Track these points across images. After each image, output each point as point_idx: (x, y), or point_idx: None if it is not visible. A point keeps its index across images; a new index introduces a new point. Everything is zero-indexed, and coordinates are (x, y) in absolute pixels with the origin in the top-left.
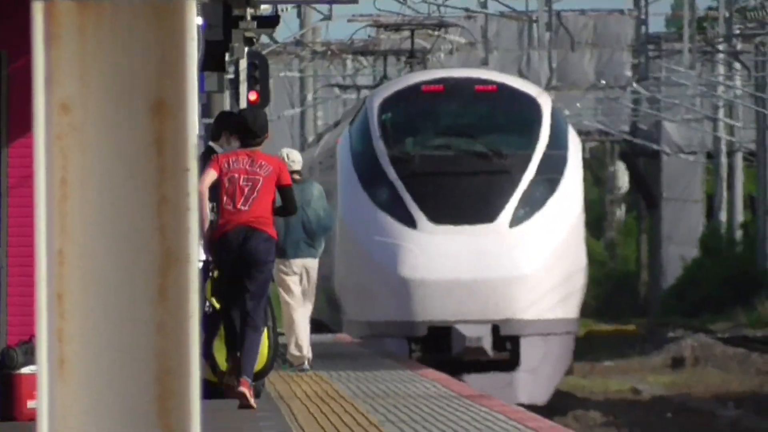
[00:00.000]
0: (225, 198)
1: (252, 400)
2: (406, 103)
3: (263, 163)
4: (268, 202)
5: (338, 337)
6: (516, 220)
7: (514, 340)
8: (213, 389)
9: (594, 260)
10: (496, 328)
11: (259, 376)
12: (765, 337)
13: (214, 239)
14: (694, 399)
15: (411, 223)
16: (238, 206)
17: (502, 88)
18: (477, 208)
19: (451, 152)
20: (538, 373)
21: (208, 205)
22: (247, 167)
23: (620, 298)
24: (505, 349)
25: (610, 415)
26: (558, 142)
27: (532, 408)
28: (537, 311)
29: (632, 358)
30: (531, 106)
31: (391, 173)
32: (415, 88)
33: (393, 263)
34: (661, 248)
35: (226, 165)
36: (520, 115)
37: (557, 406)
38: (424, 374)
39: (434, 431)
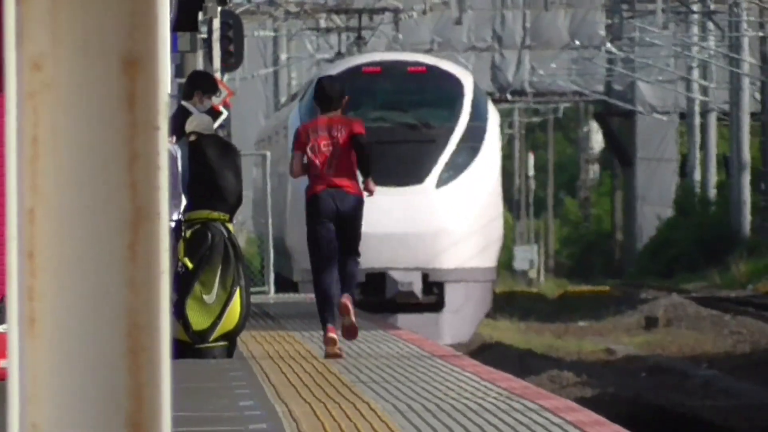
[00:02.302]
0: (313, 165)
1: (354, 318)
2: (349, 82)
3: (339, 126)
4: (350, 162)
5: (309, 297)
6: (441, 182)
7: (440, 286)
8: (184, 348)
9: (568, 220)
10: (425, 276)
11: (231, 336)
12: (738, 298)
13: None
14: (667, 359)
15: None
16: (324, 170)
17: (431, 69)
18: (408, 172)
19: (387, 124)
20: (460, 315)
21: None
22: (325, 134)
23: (594, 257)
24: (432, 293)
25: (584, 375)
26: (478, 115)
27: (503, 368)
28: (459, 261)
29: (606, 318)
30: (456, 84)
31: None
32: (356, 70)
33: None
34: (635, 208)
35: (307, 138)
36: (445, 92)
37: (531, 366)
38: (396, 334)
39: (407, 391)
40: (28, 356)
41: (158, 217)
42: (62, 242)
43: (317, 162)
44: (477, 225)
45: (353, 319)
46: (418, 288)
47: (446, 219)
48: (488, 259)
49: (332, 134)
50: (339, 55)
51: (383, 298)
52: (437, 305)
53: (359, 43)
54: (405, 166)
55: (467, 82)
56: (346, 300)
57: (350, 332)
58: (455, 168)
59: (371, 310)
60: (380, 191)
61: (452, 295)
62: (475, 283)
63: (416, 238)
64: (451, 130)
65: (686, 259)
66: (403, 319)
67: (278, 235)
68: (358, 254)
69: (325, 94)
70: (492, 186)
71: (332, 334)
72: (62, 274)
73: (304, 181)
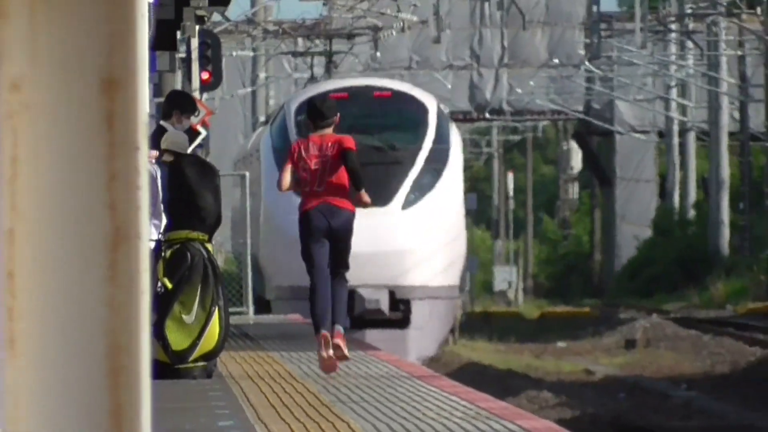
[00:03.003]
0: (305, 182)
1: (346, 351)
2: None
3: (330, 143)
4: (341, 178)
5: (289, 318)
6: (407, 204)
7: (406, 303)
8: (164, 369)
9: (547, 239)
10: (392, 293)
11: (210, 356)
12: (717, 318)
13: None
14: (646, 380)
15: None
16: (314, 188)
17: (396, 93)
18: (375, 193)
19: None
20: (426, 331)
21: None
22: (317, 152)
23: (573, 277)
24: (398, 310)
25: (563, 395)
26: (442, 138)
27: (482, 389)
28: (424, 278)
29: (585, 339)
30: (420, 108)
31: None
32: (324, 95)
33: None
34: (614, 227)
35: (298, 155)
36: (410, 116)
37: (510, 386)
38: (375, 355)
39: (386, 411)
40: (9, 376)
41: (138, 237)
42: (42, 262)
43: (309, 179)
44: (441, 244)
45: (347, 354)
46: (385, 305)
47: (412, 239)
48: (452, 277)
49: (323, 151)
50: (312, 79)
51: (352, 314)
52: (403, 321)
53: (329, 67)
54: (372, 188)
55: (431, 106)
56: (338, 338)
57: (329, 366)
58: (420, 189)
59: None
60: None
61: (418, 311)
62: (439, 300)
63: (383, 257)
64: (416, 153)
65: (665, 279)
66: (370, 334)
67: (252, 253)
68: (347, 268)
69: (318, 111)
70: (455, 206)
71: (326, 335)
72: (42, 294)
73: (278, 199)
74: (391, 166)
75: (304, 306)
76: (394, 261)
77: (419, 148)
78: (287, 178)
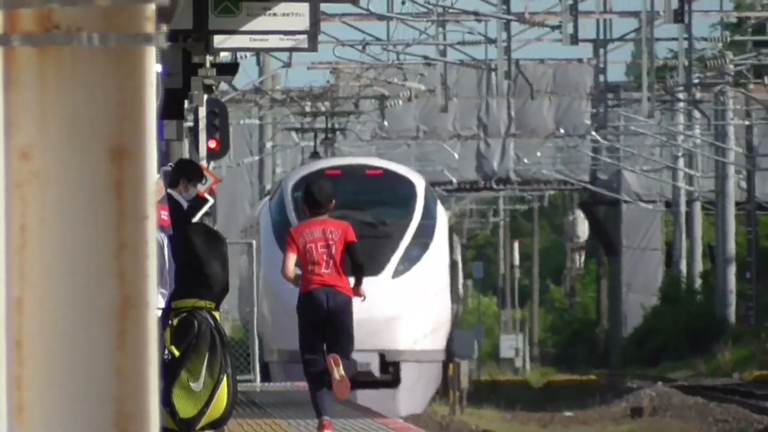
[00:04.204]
0: (308, 265)
1: (344, 372)
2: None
3: (332, 229)
4: (341, 264)
5: (296, 385)
6: (396, 273)
7: (396, 365)
8: None
9: (554, 308)
10: (382, 356)
11: (218, 424)
12: (724, 386)
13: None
14: None
15: None
16: (321, 270)
17: (387, 172)
18: (367, 264)
19: (347, 222)
20: (414, 391)
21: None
22: (320, 236)
23: (580, 345)
24: (388, 372)
25: None
26: (429, 214)
27: None
28: (412, 343)
29: (592, 408)
30: (409, 186)
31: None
32: (319, 173)
33: None
34: (620, 296)
35: (302, 240)
36: (400, 193)
37: None
38: (383, 423)
39: None
40: None
41: (146, 306)
42: (50, 331)
43: (317, 261)
44: (428, 311)
45: (343, 372)
46: (375, 367)
47: (401, 306)
48: (439, 341)
49: (327, 236)
50: (314, 153)
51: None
52: (393, 382)
53: (326, 144)
54: (365, 259)
55: (419, 184)
56: (335, 357)
57: (342, 388)
58: (409, 261)
59: (332, 387)
60: None
61: (407, 373)
62: (427, 363)
63: (375, 322)
64: (405, 228)
65: (672, 348)
66: (362, 394)
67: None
68: (348, 351)
69: (315, 199)
70: (441, 276)
71: (329, 429)
72: (50, 363)
73: (276, 269)
74: (382, 239)
75: (299, 369)
76: (384, 327)
77: (408, 224)
78: (291, 266)
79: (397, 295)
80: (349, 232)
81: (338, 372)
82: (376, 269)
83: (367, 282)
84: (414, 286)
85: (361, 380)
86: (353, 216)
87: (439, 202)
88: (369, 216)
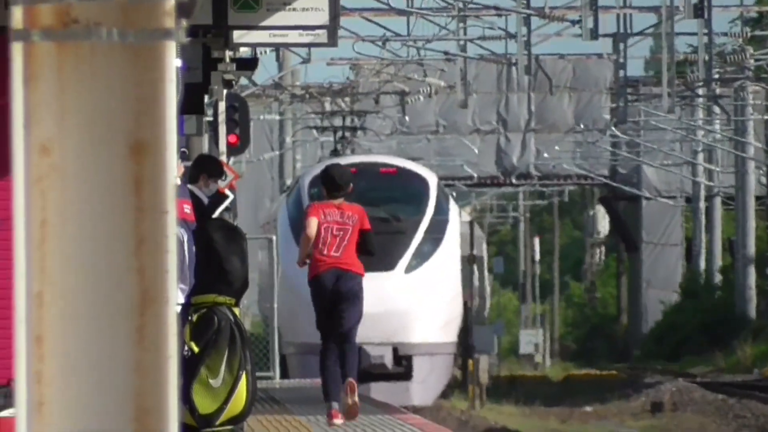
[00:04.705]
0: (320, 245)
1: (356, 398)
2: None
3: (350, 213)
4: (354, 246)
5: (316, 381)
6: (410, 268)
7: (408, 358)
8: None
9: (574, 303)
10: (395, 349)
11: (237, 420)
12: (744, 382)
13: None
14: None
15: None
16: (331, 252)
17: (401, 170)
18: (381, 259)
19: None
20: (427, 383)
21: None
22: (338, 219)
23: (599, 341)
24: (401, 365)
25: None
26: (441, 210)
27: None
28: (424, 336)
29: (611, 402)
30: (422, 183)
31: None
32: (340, 166)
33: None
34: (640, 292)
35: (322, 215)
36: (413, 190)
37: None
38: (402, 419)
39: None
40: None
41: (166, 301)
42: (70, 326)
43: (329, 241)
44: (440, 305)
45: (356, 399)
46: (389, 360)
47: (414, 300)
48: (450, 334)
49: (344, 220)
50: (335, 152)
51: (359, 368)
52: (406, 375)
53: (343, 143)
54: (378, 255)
55: (432, 181)
56: (352, 381)
57: (351, 412)
58: (421, 256)
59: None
60: None
61: (419, 366)
62: (438, 356)
63: (388, 316)
64: (417, 223)
65: (692, 343)
66: (375, 386)
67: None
68: (355, 331)
69: (335, 182)
70: (452, 271)
71: (336, 418)
72: (70, 358)
73: (293, 263)
74: (396, 235)
75: (314, 361)
76: (397, 320)
77: (420, 220)
78: (314, 227)
79: (410, 289)
80: (365, 218)
81: (351, 398)
82: (389, 264)
83: (381, 276)
84: (426, 280)
85: (374, 373)
86: (367, 212)
87: (451, 199)
88: (383, 212)
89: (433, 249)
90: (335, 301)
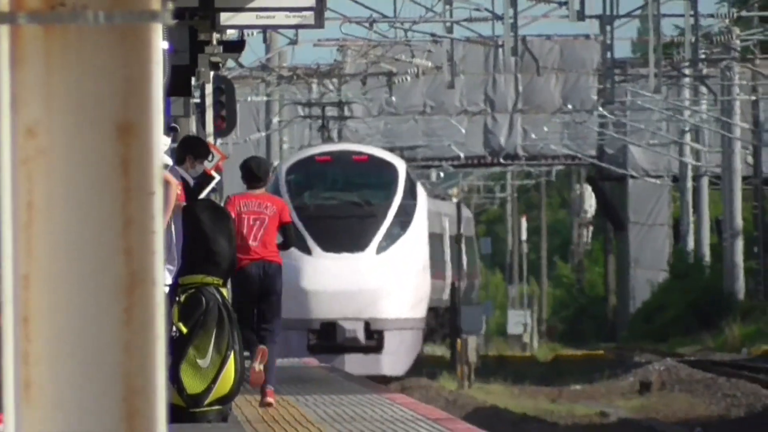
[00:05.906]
0: (239, 236)
1: (271, 400)
2: (304, 169)
3: (268, 204)
4: (273, 237)
5: (304, 361)
6: (380, 249)
7: (380, 333)
8: (179, 413)
9: (561, 283)
10: (367, 324)
11: (226, 400)
12: (732, 361)
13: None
14: (661, 423)
15: (308, 251)
16: (249, 242)
17: (372, 157)
18: (353, 241)
19: (335, 202)
20: (396, 355)
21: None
22: (255, 209)
23: (587, 321)
24: (373, 338)
25: None
26: (409, 195)
27: (493, 429)
28: (395, 312)
29: (600, 382)
30: (392, 170)
31: (295, 217)
32: (310, 159)
33: (297, 278)
34: (628, 272)
35: (239, 208)
36: (383, 176)
37: (525, 430)
38: (391, 398)
39: None
40: (24, 421)
41: (153, 281)
42: (57, 307)
43: (245, 232)
44: (409, 283)
45: (263, 366)
46: (361, 334)
47: (385, 279)
48: (419, 311)
49: (260, 210)
50: (323, 127)
51: (334, 342)
52: (377, 348)
53: (323, 132)
54: (351, 236)
55: (401, 168)
56: (270, 396)
57: (257, 378)
58: (391, 238)
59: (324, 352)
60: (331, 257)
61: (390, 340)
62: (408, 330)
63: (360, 294)
64: (387, 207)
65: (680, 323)
66: (349, 358)
67: None
68: (279, 320)
69: (253, 173)
70: (420, 252)
71: (264, 350)
72: (57, 338)
73: None
74: (367, 218)
75: (299, 334)
76: (369, 298)
77: (390, 204)
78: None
79: (381, 268)
80: (285, 211)
81: (258, 365)
82: (361, 245)
83: (353, 257)
84: (396, 260)
85: (348, 346)
86: (341, 197)
87: (419, 184)
88: (355, 197)
89: (402, 231)
90: (259, 294)
